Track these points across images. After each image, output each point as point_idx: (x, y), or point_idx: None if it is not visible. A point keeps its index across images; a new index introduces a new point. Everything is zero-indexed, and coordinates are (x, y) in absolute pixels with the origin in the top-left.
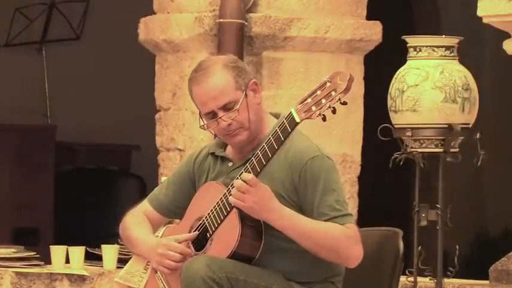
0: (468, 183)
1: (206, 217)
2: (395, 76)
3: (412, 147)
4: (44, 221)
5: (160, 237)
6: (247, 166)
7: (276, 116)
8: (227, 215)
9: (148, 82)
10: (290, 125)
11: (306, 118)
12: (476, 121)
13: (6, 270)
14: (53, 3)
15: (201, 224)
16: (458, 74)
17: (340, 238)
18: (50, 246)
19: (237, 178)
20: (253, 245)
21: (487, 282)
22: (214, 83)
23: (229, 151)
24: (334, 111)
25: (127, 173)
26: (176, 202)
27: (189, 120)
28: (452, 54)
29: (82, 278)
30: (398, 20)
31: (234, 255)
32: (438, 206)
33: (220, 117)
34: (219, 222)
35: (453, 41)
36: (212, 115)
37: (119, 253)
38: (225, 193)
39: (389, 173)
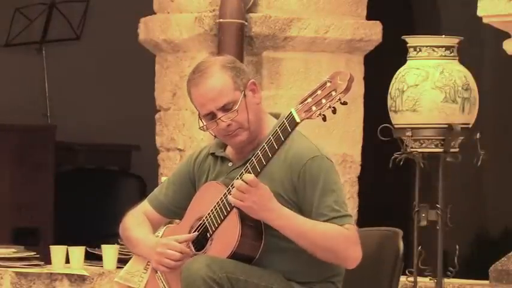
0: (468, 183)
1: (206, 217)
2: (395, 76)
3: (412, 147)
4: (44, 221)
5: (161, 237)
6: (247, 166)
7: (276, 116)
8: (227, 215)
9: (148, 82)
10: (290, 125)
11: (306, 118)
12: (476, 121)
13: (6, 270)
14: (53, 3)
15: (201, 224)
16: (458, 74)
17: (338, 239)
18: (50, 246)
19: (237, 178)
20: (253, 245)
21: (487, 282)
22: (213, 84)
23: (229, 151)
24: (334, 111)
25: (127, 173)
26: (176, 202)
27: (189, 120)
28: (452, 54)
29: (82, 278)
30: (398, 20)
31: (234, 255)
32: (438, 206)
33: (219, 118)
34: (219, 222)
35: (453, 41)
36: (211, 116)
37: (119, 253)
38: (225, 193)
39: (389, 173)
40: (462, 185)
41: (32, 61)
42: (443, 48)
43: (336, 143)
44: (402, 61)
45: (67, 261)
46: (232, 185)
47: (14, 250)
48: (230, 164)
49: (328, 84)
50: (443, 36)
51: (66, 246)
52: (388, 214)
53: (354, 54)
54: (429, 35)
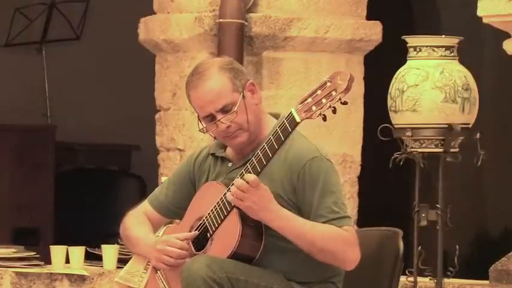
0: (468, 183)
1: (206, 217)
2: (395, 76)
3: (412, 147)
4: (44, 221)
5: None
6: (247, 166)
7: (276, 116)
8: (227, 215)
9: (148, 82)
10: (290, 124)
11: (307, 118)
12: (476, 121)
13: (6, 270)
14: (53, 3)
15: (201, 224)
16: (458, 74)
17: (337, 241)
18: (50, 246)
19: (238, 178)
20: (253, 245)
21: (487, 282)
22: (211, 86)
23: (229, 151)
24: (334, 111)
25: (127, 173)
26: (176, 202)
27: (189, 120)
28: (452, 54)
29: (82, 278)
30: (398, 20)
31: (235, 255)
32: (438, 206)
33: (218, 120)
34: (219, 222)
35: (453, 41)
36: (211, 118)
37: (119, 253)
38: (225, 193)
39: (389, 173)
40: (462, 185)
41: (32, 61)
42: (443, 48)
43: (336, 143)
44: (402, 61)
45: (67, 261)
46: (232, 184)
47: (14, 250)
48: (230, 164)
49: (328, 84)
50: (443, 36)
51: (66, 246)
52: (388, 214)
53: (354, 54)
54: (429, 35)
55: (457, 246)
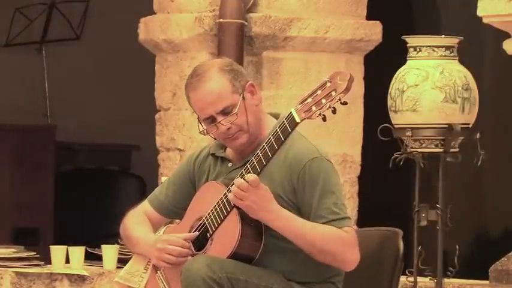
0: (468, 183)
1: (206, 217)
2: (395, 76)
3: (412, 147)
4: (44, 221)
5: None
6: (247, 166)
7: (276, 116)
8: (227, 215)
9: (148, 82)
10: (290, 125)
11: (306, 118)
12: (476, 121)
13: (6, 270)
14: (53, 3)
15: (201, 224)
16: (458, 74)
17: (336, 242)
18: (50, 246)
19: (238, 178)
20: (253, 245)
21: (487, 282)
22: (211, 88)
23: (229, 152)
24: (334, 111)
25: (127, 173)
26: (176, 202)
27: (189, 120)
28: (452, 54)
29: (82, 278)
30: (398, 20)
31: (235, 255)
32: (438, 206)
33: (219, 122)
34: (219, 222)
35: (453, 41)
36: (211, 120)
37: (119, 253)
38: (225, 193)
39: (389, 173)
40: (462, 185)
41: (32, 61)
42: (443, 48)
43: (336, 143)
44: (402, 61)
45: (67, 261)
46: (232, 184)
47: (14, 250)
48: (230, 164)
49: (328, 84)
50: (443, 36)
51: (66, 246)
52: (388, 214)
53: (354, 54)
54: (429, 35)
55: (457, 246)
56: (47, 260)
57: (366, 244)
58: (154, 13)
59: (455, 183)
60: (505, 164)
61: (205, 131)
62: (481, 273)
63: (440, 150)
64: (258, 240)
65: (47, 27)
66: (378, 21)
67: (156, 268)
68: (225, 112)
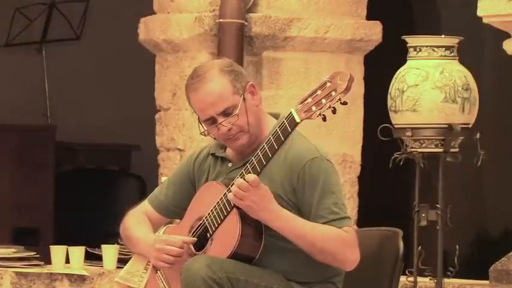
0: (468, 183)
1: (206, 217)
2: (395, 76)
3: (412, 147)
4: (44, 221)
5: None
6: (247, 166)
7: (276, 116)
8: (227, 215)
9: (148, 82)
10: (290, 125)
11: (306, 118)
12: (476, 121)
13: (6, 270)
14: (53, 3)
15: (201, 224)
16: (458, 74)
17: (336, 242)
18: (50, 246)
19: (238, 178)
20: (253, 245)
21: (487, 282)
22: (212, 89)
23: (229, 152)
24: (334, 111)
25: (127, 173)
26: (176, 202)
27: (189, 120)
28: (452, 54)
29: (82, 278)
30: (398, 20)
31: (234, 255)
32: (438, 206)
33: (220, 123)
34: (219, 222)
35: (453, 41)
36: (212, 121)
37: (119, 253)
38: (225, 193)
39: (389, 173)
40: (462, 185)
41: (32, 61)
42: (443, 48)
43: (336, 143)
44: (402, 61)
45: (67, 261)
46: (232, 184)
47: (14, 250)
48: (230, 164)
49: (328, 84)
50: (443, 36)
51: (66, 246)
52: (388, 214)
53: (354, 54)
54: (429, 35)
55: (457, 246)
56: (47, 260)
57: (366, 244)
58: (154, 13)
59: (455, 183)
60: (505, 164)
61: (206, 131)
62: (481, 273)
63: (440, 150)
64: (258, 240)
65: (47, 27)
66: (378, 21)
67: (156, 268)
68: (226, 113)
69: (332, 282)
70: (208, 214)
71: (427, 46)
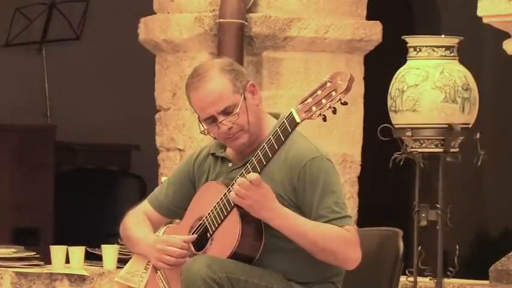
0: (468, 183)
1: (206, 217)
2: (395, 76)
3: (412, 147)
4: (44, 221)
5: None
6: (247, 166)
7: (276, 116)
8: (227, 215)
9: (148, 82)
10: (290, 125)
11: (307, 118)
12: (476, 121)
13: (6, 270)
14: (53, 3)
15: (201, 224)
16: (458, 74)
17: (338, 240)
18: (50, 246)
19: (240, 177)
20: (253, 245)
21: (487, 282)
22: (212, 88)
23: (229, 151)
24: (334, 112)
25: (127, 173)
26: (176, 202)
27: (189, 120)
28: (452, 54)
29: (82, 278)
30: (398, 20)
31: (235, 255)
32: (438, 206)
33: (220, 122)
34: (219, 222)
35: (453, 41)
36: (212, 120)
37: (119, 253)
38: (225, 193)
39: (389, 173)
40: (462, 185)
41: (32, 61)
42: (443, 48)
43: (336, 143)
44: (402, 61)
45: (67, 261)
46: (233, 184)
47: (14, 250)
48: (230, 164)
49: (329, 84)
50: (443, 36)
51: (66, 246)
52: (388, 214)
53: (354, 54)
54: (429, 35)
55: (457, 246)
56: (47, 260)
57: (366, 244)
58: (154, 13)
59: (455, 183)
60: (505, 164)
61: (206, 130)
62: (481, 273)
63: (440, 150)
64: (258, 240)
65: (47, 27)
66: (378, 21)
67: (156, 268)
68: (226, 112)
69: (332, 282)
70: (208, 214)
71: (427, 46)
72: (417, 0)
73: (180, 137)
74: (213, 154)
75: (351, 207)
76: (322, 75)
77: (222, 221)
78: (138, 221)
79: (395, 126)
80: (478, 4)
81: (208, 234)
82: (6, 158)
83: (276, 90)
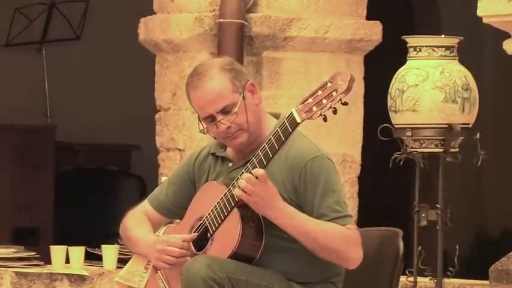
0: (468, 183)
1: (207, 217)
2: (395, 76)
3: (412, 147)
4: (44, 221)
5: None
6: (248, 166)
7: (276, 116)
8: (228, 215)
9: (148, 82)
10: (291, 125)
11: (307, 118)
12: (476, 121)
13: (6, 270)
14: (53, 3)
15: (201, 224)
16: (458, 74)
17: (340, 239)
18: (50, 246)
19: (238, 178)
20: (253, 245)
21: (487, 282)
22: (212, 87)
23: (229, 151)
24: (335, 112)
25: (127, 173)
26: (176, 202)
27: (189, 120)
28: (452, 54)
29: (82, 278)
30: (398, 20)
31: (235, 255)
32: (438, 206)
33: (219, 121)
34: (219, 222)
35: (453, 41)
36: (211, 119)
37: (119, 253)
38: (226, 193)
39: (389, 173)
40: (462, 185)
41: (32, 61)
42: (443, 48)
43: (336, 143)
44: (402, 61)
45: (67, 261)
46: (233, 184)
47: (14, 250)
48: (230, 164)
49: (329, 84)
50: (443, 36)
51: (66, 246)
52: (388, 214)
53: (354, 54)
54: (429, 35)
55: (457, 246)
56: (47, 260)
57: (366, 244)
58: (154, 13)
59: (455, 183)
60: (505, 164)
61: (205, 129)
62: (481, 273)
63: (440, 150)
64: (259, 240)
65: (47, 27)
66: (378, 21)
67: (156, 268)
68: (225, 111)
69: (332, 282)
70: (208, 214)
71: (427, 46)
72: (417, 0)
73: (180, 137)
74: (213, 154)
75: (351, 207)
76: (322, 75)
77: (222, 221)
78: (138, 221)
79: (395, 126)
80: (478, 4)
81: (208, 234)
82: (6, 158)
83: (276, 90)
